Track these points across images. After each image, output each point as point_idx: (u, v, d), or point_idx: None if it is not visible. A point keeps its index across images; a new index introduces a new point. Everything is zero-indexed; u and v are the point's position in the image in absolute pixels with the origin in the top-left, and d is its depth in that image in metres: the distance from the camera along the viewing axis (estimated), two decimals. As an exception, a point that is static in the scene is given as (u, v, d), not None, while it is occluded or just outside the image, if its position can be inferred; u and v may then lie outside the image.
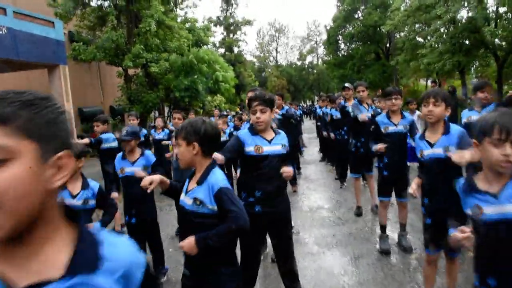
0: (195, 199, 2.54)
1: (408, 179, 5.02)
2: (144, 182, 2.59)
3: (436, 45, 23.32)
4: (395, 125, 4.94)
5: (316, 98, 57.25)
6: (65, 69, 18.37)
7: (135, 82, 24.60)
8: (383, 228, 5.17)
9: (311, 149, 15.77)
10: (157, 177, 2.67)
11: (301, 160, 12.81)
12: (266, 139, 3.46)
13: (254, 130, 3.48)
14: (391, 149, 4.86)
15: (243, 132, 3.55)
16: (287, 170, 3.36)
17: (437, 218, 3.30)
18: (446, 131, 3.36)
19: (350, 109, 7.36)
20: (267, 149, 3.42)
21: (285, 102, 11.08)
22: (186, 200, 2.63)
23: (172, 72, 23.87)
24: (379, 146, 4.89)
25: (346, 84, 7.90)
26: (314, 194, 8.05)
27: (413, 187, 3.38)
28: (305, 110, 45.71)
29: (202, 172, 2.60)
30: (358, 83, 6.47)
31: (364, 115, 6.03)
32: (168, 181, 2.79)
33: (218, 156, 3.05)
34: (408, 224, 5.25)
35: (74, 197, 3.59)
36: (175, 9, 27.49)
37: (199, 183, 2.57)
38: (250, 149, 3.41)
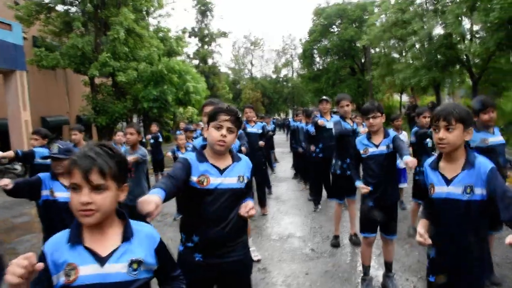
0: None
1: (397, 210, 4.22)
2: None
3: (412, 61, 23.01)
4: (376, 146, 4.17)
5: (291, 111, 56.89)
6: (22, 75, 17.15)
7: (102, 91, 23.45)
8: (366, 269, 4.32)
9: (284, 165, 14.96)
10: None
11: (272, 177, 12.01)
12: (217, 168, 2.57)
13: (202, 155, 2.60)
14: (376, 174, 4.12)
15: (192, 157, 2.59)
16: (247, 207, 2.51)
17: (449, 277, 2.56)
18: (469, 165, 2.47)
19: (328, 126, 6.66)
20: (215, 181, 2.52)
21: (257, 116, 10.26)
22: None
23: (141, 82, 22.86)
24: (362, 187, 4.12)
25: (324, 97, 7.16)
26: (285, 219, 7.17)
27: (420, 232, 2.40)
28: (279, 123, 45.05)
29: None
30: (341, 96, 5.59)
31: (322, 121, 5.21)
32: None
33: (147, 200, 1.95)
34: (394, 261, 4.43)
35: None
36: (146, 18, 26.44)
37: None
38: (193, 179, 2.50)
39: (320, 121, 6.61)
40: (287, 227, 6.60)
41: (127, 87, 23.57)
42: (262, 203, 7.62)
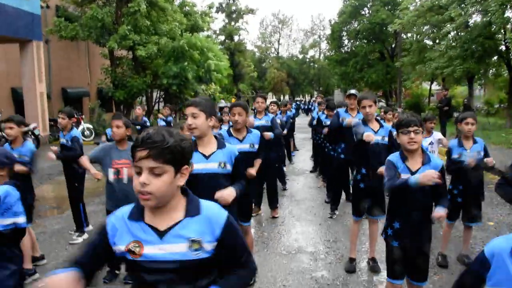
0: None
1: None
2: None
3: (446, 50, 21.69)
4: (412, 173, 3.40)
5: (316, 93, 55.75)
6: (39, 46, 16.64)
7: (122, 65, 22.88)
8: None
9: (304, 154, 14.13)
10: None
11: (289, 169, 11.25)
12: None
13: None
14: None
15: None
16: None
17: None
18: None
19: (345, 123, 6.05)
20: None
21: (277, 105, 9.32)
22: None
23: (162, 57, 22.18)
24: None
25: (352, 91, 6.38)
26: (297, 226, 6.36)
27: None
28: (302, 105, 44.01)
29: None
30: (363, 94, 4.71)
31: (370, 134, 4.35)
32: None
33: None
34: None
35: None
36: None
37: None
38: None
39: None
40: (297, 238, 5.83)
41: (147, 62, 22.94)
42: (273, 204, 6.90)
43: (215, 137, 3.24)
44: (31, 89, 16.65)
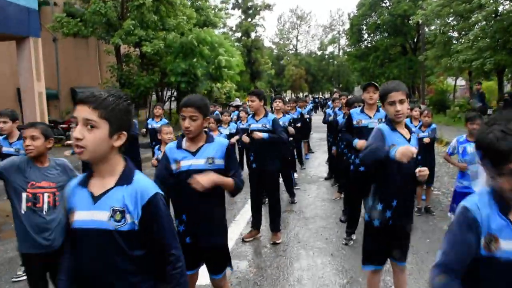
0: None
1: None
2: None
3: (475, 41, 20.00)
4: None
5: (335, 90, 54.19)
6: (36, 43, 15.57)
7: (128, 62, 21.81)
8: None
9: (319, 157, 12.75)
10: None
11: (301, 176, 9.92)
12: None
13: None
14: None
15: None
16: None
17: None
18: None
19: (371, 125, 4.85)
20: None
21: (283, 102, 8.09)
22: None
23: (171, 53, 21.01)
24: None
25: (372, 82, 5.07)
26: (302, 258, 4.90)
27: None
28: (321, 102, 42.55)
29: None
30: (390, 85, 3.16)
31: (406, 150, 2.95)
32: None
33: None
34: None
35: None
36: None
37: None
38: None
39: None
40: (300, 278, 4.40)
41: (155, 59, 21.83)
42: (274, 226, 5.56)
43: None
44: (29, 89, 15.64)
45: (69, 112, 19.91)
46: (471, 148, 4.81)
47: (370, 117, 5.05)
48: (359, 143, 4.75)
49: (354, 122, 5.07)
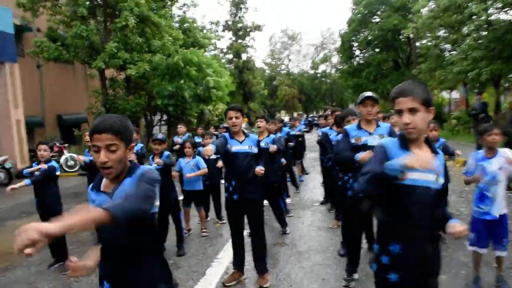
0: None
1: None
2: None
3: (469, 51, 19.44)
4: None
5: (327, 107, 53.53)
6: (13, 68, 14.91)
7: (114, 86, 21.11)
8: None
9: (314, 178, 11.89)
10: None
11: (295, 200, 9.08)
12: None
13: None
14: None
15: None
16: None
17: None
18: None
19: (371, 142, 4.12)
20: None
21: (291, 117, 7.38)
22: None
23: (157, 76, 20.33)
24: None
25: (368, 93, 4.27)
26: None
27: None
28: (314, 121, 42.01)
29: None
30: (397, 90, 2.28)
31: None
32: None
33: None
34: None
35: None
36: (169, 7, 23.80)
37: None
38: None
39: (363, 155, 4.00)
40: None
41: (141, 82, 21.15)
42: (260, 266, 4.66)
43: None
44: (6, 117, 14.93)
45: (54, 140, 19.03)
46: (491, 166, 4.00)
47: (370, 133, 4.25)
48: (361, 155, 3.95)
49: (352, 141, 4.27)
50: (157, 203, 2.18)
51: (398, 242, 2.28)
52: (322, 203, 8.64)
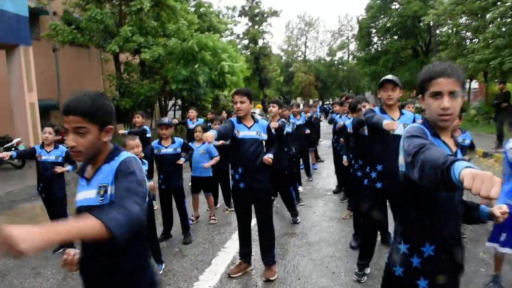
0: None
1: None
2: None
3: (491, 39, 18.83)
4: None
5: (342, 94, 52.82)
6: (27, 51, 14.78)
7: (129, 71, 20.97)
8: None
9: (328, 166, 11.58)
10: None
11: (307, 189, 8.87)
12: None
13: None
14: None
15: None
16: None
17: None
18: None
19: (398, 131, 3.68)
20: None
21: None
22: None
23: (172, 60, 20.10)
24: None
25: (389, 76, 3.98)
26: None
27: None
28: (329, 109, 41.71)
29: None
30: (437, 67, 1.95)
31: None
32: None
33: None
34: None
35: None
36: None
37: None
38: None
39: (388, 123, 3.68)
40: None
41: (156, 66, 20.96)
42: (267, 257, 4.48)
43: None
44: (20, 99, 14.83)
45: (61, 123, 19.02)
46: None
47: (394, 120, 3.95)
48: (386, 122, 3.66)
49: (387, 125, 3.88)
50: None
51: (432, 243, 2.01)
52: (335, 192, 8.42)
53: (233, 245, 5.39)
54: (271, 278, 4.34)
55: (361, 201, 4.46)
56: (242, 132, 4.29)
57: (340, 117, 7.63)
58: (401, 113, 4.06)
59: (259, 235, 4.54)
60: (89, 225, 1.48)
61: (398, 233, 2.14)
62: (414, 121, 4.02)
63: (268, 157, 4.27)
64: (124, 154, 1.95)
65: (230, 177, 4.52)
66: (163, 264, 4.84)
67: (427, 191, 1.92)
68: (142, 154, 4.81)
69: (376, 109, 4.15)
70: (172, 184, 5.73)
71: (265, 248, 4.48)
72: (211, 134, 3.80)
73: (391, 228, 4.99)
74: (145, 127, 7.99)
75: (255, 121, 4.43)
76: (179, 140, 5.84)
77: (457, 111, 1.94)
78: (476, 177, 1.29)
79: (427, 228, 2.01)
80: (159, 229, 5.82)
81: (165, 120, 5.72)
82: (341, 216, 6.64)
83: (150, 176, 5.42)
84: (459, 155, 2.03)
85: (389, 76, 3.97)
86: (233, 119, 4.40)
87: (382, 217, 4.27)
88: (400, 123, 3.93)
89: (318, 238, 5.66)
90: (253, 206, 4.47)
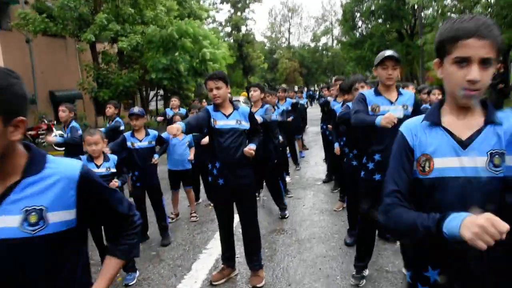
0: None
1: None
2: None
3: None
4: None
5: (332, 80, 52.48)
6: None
7: (107, 61, 20.19)
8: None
9: (316, 154, 11.17)
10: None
11: (295, 179, 8.38)
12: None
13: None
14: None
15: None
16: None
17: None
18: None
19: (398, 113, 3.29)
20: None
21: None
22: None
23: (152, 48, 19.38)
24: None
25: (389, 52, 3.43)
26: None
27: None
28: (314, 94, 41.32)
29: None
30: (462, 25, 1.38)
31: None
32: None
33: None
34: None
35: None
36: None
37: None
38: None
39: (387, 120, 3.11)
40: None
41: (135, 55, 20.23)
42: (252, 261, 3.94)
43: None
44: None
45: (42, 117, 18.26)
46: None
47: (392, 102, 3.48)
48: (383, 119, 3.13)
49: (369, 108, 3.49)
50: None
51: (436, 266, 1.53)
52: (324, 182, 7.93)
53: (216, 246, 4.84)
54: (258, 285, 3.80)
55: (358, 195, 3.93)
56: (219, 122, 3.72)
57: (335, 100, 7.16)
58: (399, 93, 3.54)
59: (243, 238, 4.01)
60: (115, 269, 1.56)
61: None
62: (415, 102, 3.53)
63: (250, 148, 3.71)
64: (58, 162, 1.39)
65: (208, 172, 3.95)
66: (137, 272, 4.30)
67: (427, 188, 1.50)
68: (107, 150, 4.23)
69: (371, 91, 3.64)
70: (148, 181, 5.13)
71: (250, 252, 3.95)
72: (177, 126, 3.24)
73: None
74: (118, 118, 7.39)
75: (235, 108, 3.87)
76: (153, 133, 5.22)
77: (486, 85, 1.40)
78: (477, 233, 1.14)
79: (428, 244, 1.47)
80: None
81: (135, 109, 5.06)
82: (333, 208, 6.13)
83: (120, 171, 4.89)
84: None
85: (390, 52, 3.41)
86: (209, 107, 3.83)
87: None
88: (398, 105, 3.44)
89: (309, 234, 5.14)
90: (235, 204, 3.94)
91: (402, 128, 1.62)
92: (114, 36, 17.88)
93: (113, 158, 4.38)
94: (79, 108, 22.36)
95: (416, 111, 3.43)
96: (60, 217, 1.32)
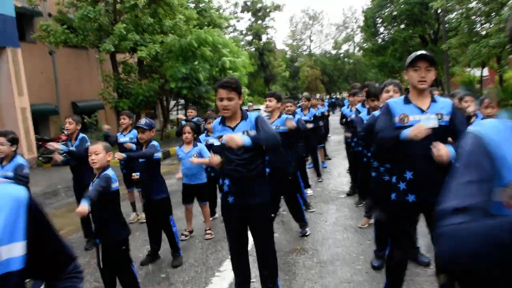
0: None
1: None
2: None
3: (506, 21, 17.82)
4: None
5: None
6: (15, 53, 14.04)
7: (128, 71, 20.16)
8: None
9: (339, 164, 10.71)
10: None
11: (317, 191, 7.96)
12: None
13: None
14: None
15: None
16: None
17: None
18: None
19: (429, 123, 2.99)
20: None
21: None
22: None
23: (171, 58, 19.27)
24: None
25: (422, 52, 3.02)
26: None
27: None
28: (338, 102, 40.84)
29: None
30: None
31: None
32: None
33: None
34: None
35: None
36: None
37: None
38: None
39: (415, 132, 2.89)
40: None
41: (154, 65, 20.15)
42: (268, 284, 3.59)
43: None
44: (10, 105, 14.11)
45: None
46: None
47: (423, 111, 3.04)
48: (410, 132, 2.85)
49: (396, 120, 3.08)
50: None
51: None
52: (348, 195, 7.49)
53: (230, 268, 4.47)
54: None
55: (389, 218, 3.49)
56: (225, 136, 3.35)
57: (351, 110, 6.75)
58: (433, 100, 3.10)
59: (258, 263, 3.63)
60: None
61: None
62: (453, 109, 3.09)
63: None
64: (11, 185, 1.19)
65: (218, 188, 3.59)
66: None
67: None
68: (109, 158, 3.89)
69: (399, 99, 3.22)
70: (151, 196, 4.81)
71: (266, 278, 3.57)
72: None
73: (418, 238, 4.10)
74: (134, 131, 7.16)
75: (243, 117, 3.46)
76: (153, 143, 4.87)
77: None
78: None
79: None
80: (145, 248, 4.97)
81: (142, 122, 4.77)
82: (357, 225, 5.71)
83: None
84: None
85: (423, 52, 3.01)
86: (216, 121, 3.49)
87: (413, 235, 3.34)
88: (431, 113, 3.01)
89: (331, 255, 4.72)
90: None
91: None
92: (133, 46, 17.79)
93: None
94: (101, 118, 22.37)
95: (455, 120, 3.01)
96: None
